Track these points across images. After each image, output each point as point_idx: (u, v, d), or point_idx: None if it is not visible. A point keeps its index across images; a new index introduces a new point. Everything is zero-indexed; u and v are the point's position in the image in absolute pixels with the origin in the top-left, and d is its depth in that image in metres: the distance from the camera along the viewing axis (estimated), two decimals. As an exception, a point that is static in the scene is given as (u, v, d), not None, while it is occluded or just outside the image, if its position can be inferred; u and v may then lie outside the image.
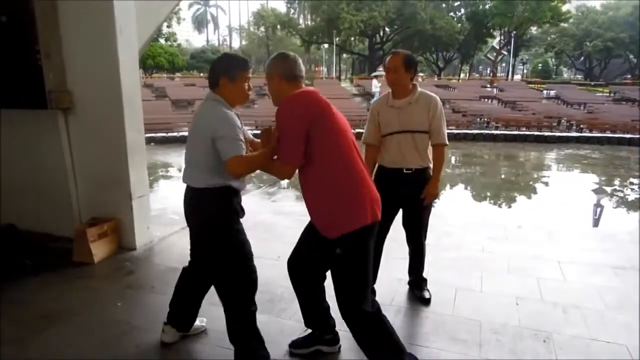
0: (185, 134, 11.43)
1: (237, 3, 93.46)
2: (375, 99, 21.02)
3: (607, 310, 3.23)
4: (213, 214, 2.38)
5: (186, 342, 2.81)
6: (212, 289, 2.65)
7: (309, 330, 2.74)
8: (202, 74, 45.00)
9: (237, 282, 2.46)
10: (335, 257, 2.27)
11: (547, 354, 2.71)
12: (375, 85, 21.76)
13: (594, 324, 3.04)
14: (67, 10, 3.94)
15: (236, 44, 75.94)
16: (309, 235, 2.46)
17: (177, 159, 10.48)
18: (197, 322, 2.91)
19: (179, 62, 45.41)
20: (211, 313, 2.94)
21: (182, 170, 2.50)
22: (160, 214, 5.40)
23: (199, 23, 77.26)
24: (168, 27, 45.89)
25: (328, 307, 2.65)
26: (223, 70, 2.37)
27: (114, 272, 3.86)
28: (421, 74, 39.01)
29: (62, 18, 3.96)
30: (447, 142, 3.13)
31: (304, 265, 2.53)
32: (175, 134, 12.92)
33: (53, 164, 4.25)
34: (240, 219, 2.49)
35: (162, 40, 45.76)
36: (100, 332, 2.94)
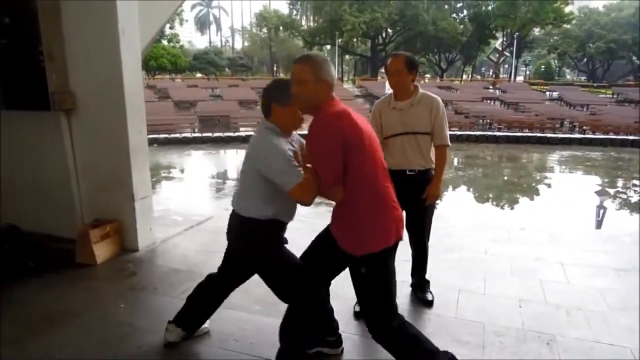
0: (188, 135, 11.46)
1: (240, 4, 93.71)
2: None
3: (610, 312, 3.22)
4: (256, 246, 2.39)
5: (189, 344, 2.80)
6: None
7: None
8: (204, 76, 45.12)
9: (294, 295, 2.45)
10: (359, 276, 2.26)
11: (550, 356, 2.70)
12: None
13: (598, 326, 3.03)
14: (70, 10, 3.94)
15: (238, 45, 76.13)
16: (324, 242, 2.40)
17: (179, 160, 10.50)
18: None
19: (181, 64, 45.52)
20: (214, 314, 2.93)
21: (234, 193, 2.52)
22: (163, 215, 5.40)
23: (202, 24, 77.46)
24: (170, 28, 46.01)
25: (332, 310, 2.65)
26: (273, 96, 2.31)
27: (116, 274, 3.86)
28: (427, 75, 39.11)
29: (64, 18, 3.97)
30: (450, 143, 3.14)
31: (313, 269, 2.49)
32: (177, 135, 12.94)
33: (55, 165, 4.26)
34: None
35: (164, 42, 45.87)
36: (102, 333, 2.94)
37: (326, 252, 2.37)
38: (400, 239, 2.26)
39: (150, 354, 2.71)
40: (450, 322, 3.08)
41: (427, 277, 3.45)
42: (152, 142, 11.88)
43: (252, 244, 2.39)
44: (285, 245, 2.51)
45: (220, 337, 2.85)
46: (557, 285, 3.65)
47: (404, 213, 3.22)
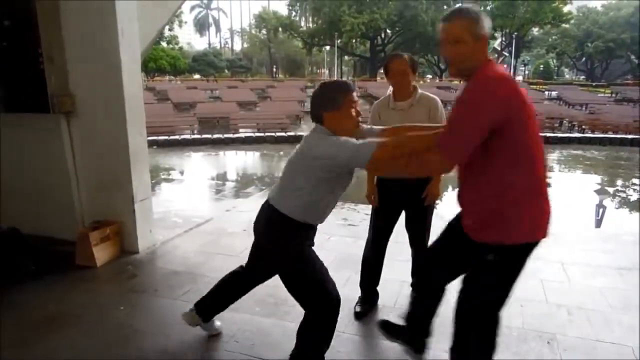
0: (187, 136, 11.40)
1: (239, 5, 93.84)
2: None
3: (612, 311, 3.22)
4: (284, 243, 2.32)
5: (190, 345, 2.80)
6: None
7: None
8: (203, 77, 45.12)
9: (313, 303, 2.40)
10: (485, 262, 2.03)
11: (551, 355, 2.70)
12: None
13: (598, 325, 3.03)
14: (68, 11, 3.93)
15: (238, 46, 76.17)
16: (451, 240, 2.23)
17: (179, 162, 10.49)
18: (217, 322, 2.90)
19: (180, 65, 45.55)
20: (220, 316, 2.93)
21: (275, 186, 2.41)
22: (163, 217, 5.39)
23: (201, 26, 77.55)
24: (170, 30, 46.05)
25: (431, 311, 2.48)
26: (322, 103, 2.17)
27: (116, 276, 3.86)
28: (428, 76, 39.19)
29: (63, 19, 3.96)
30: None
31: (443, 269, 2.32)
32: (177, 137, 12.94)
33: (55, 167, 4.25)
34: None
35: (163, 43, 45.89)
36: (102, 335, 2.94)
37: (456, 250, 2.18)
38: (546, 237, 1.97)
39: (151, 357, 2.71)
40: (450, 322, 3.07)
41: (427, 277, 3.44)
42: (151, 143, 11.88)
43: (281, 240, 2.31)
44: (312, 247, 2.45)
45: (221, 338, 2.85)
46: (558, 285, 3.65)
47: (403, 213, 3.26)
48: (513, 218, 1.90)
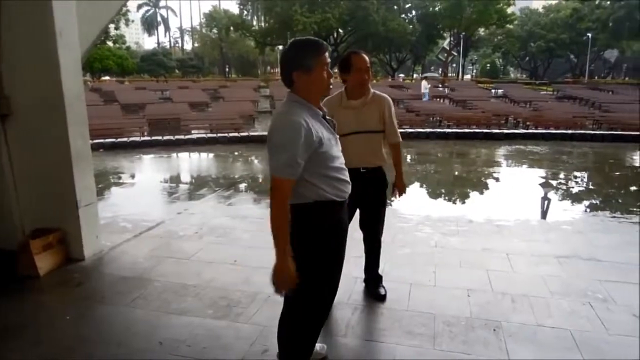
0: (137, 138, 11.03)
1: (188, 4, 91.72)
2: (424, 99, 21.44)
3: (552, 297, 3.38)
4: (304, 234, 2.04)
5: (140, 350, 2.73)
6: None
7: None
8: (153, 78, 43.94)
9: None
10: None
11: (497, 342, 2.81)
12: (425, 87, 22.25)
13: (540, 311, 3.17)
14: (2, 11, 3.74)
15: (188, 46, 74.63)
16: None
17: (128, 165, 10.16)
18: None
19: (128, 65, 44.22)
20: (164, 322, 2.86)
21: None
22: (111, 222, 5.22)
23: (149, 25, 75.34)
24: (116, 29, 44.52)
25: None
26: (294, 62, 1.97)
27: (61, 285, 3.70)
28: (397, 76, 39.99)
29: (-3, 19, 3.76)
30: (401, 140, 3.24)
31: None
32: (125, 139, 12.52)
33: (-9, 174, 4.03)
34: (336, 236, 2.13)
35: (109, 43, 44.34)
36: (49, 346, 2.82)
37: None
38: None
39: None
40: (402, 315, 3.15)
41: (380, 272, 3.51)
42: (98, 147, 11.44)
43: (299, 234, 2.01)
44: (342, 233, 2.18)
45: (172, 343, 2.79)
46: (503, 274, 3.80)
47: (357, 211, 3.30)
48: None
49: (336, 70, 3.19)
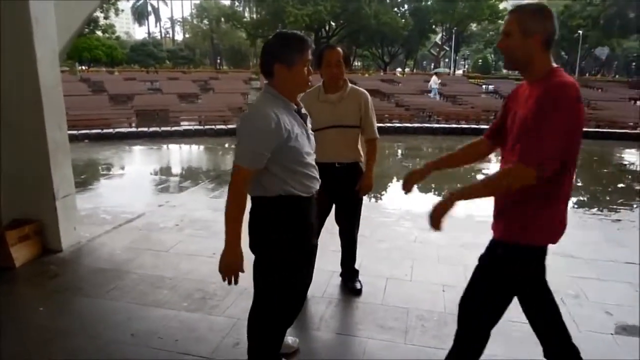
0: (123, 130, 10.93)
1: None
2: (432, 95, 21.30)
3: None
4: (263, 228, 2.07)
5: (111, 342, 2.72)
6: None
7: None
8: (143, 68, 43.53)
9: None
10: (494, 258, 2.09)
11: (467, 337, 2.83)
12: (435, 82, 22.05)
13: (512, 307, 3.18)
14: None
15: (179, 36, 74.02)
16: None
17: (112, 156, 10.08)
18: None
19: (118, 56, 43.71)
20: (138, 314, 2.86)
21: None
22: (91, 213, 5.20)
23: (139, 15, 74.53)
24: (105, 18, 44.01)
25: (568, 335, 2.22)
26: (277, 54, 1.96)
27: (37, 276, 3.68)
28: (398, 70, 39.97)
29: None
30: (378, 136, 3.21)
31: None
32: (111, 130, 12.41)
33: (-33, 164, 3.98)
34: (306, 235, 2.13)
35: (99, 32, 43.82)
36: (23, 338, 2.80)
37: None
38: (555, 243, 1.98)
39: (75, 357, 2.61)
40: (376, 309, 3.17)
41: (357, 266, 3.53)
42: (83, 137, 11.33)
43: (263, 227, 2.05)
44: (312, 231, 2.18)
45: (144, 335, 2.79)
46: (479, 270, 3.83)
47: (333, 206, 3.31)
48: (538, 217, 1.89)
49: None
